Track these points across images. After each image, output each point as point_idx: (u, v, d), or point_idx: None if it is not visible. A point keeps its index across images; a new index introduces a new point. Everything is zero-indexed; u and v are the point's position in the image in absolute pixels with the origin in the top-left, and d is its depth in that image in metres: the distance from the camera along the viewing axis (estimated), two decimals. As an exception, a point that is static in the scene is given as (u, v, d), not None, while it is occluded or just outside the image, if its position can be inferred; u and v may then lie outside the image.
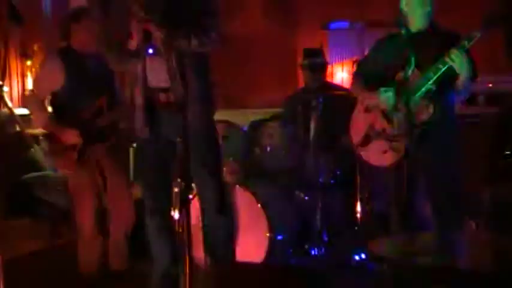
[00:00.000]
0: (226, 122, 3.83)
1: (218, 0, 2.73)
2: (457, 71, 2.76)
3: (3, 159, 3.73)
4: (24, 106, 4.22)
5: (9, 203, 3.91)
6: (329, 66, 4.49)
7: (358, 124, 3.08)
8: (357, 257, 3.48)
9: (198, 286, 2.80)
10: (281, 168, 3.96)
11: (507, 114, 3.82)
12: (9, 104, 4.53)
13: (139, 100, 2.74)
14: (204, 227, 2.89)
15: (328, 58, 4.44)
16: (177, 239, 2.86)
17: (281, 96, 5.05)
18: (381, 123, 2.94)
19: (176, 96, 2.64)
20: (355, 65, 3.66)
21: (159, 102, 2.71)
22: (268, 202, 3.54)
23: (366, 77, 3.08)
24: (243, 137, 3.80)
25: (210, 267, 2.91)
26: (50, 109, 3.37)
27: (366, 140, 3.00)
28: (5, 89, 4.67)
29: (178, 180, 2.53)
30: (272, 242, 3.44)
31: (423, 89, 2.80)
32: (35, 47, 5.01)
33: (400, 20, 2.81)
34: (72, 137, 3.24)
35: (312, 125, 3.75)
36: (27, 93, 4.97)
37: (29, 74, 5.05)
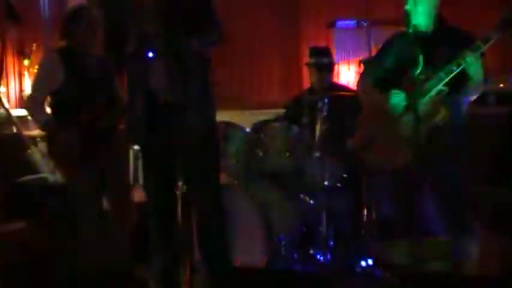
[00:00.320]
0: (228, 123, 3.84)
1: None
2: (470, 74, 2.75)
3: (-1, 161, 3.77)
4: (23, 107, 4.25)
5: (6, 206, 3.94)
6: (335, 66, 4.49)
7: (365, 125, 3.07)
8: (363, 263, 3.48)
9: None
10: (285, 170, 3.97)
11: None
12: (6, 105, 4.57)
13: (139, 103, 2.77)
14: (198, 232, 2.92)
15: (334, 57, 4.44)
16: (178, 241, 2.91)
17: (285, 97, 5.07)
18: (388, 125, 2.94)
19: (176, 98, 2.67)
20: (361, 65, 3.66)
21: (160, 104, 2.73)
22: (271, 205, 3.55)
23: (374, 78, 3.08)
24: (245, 139, 3.81)
25: (207, 276, 2.94)
26: (48, 110, 3.39)
27: (372, 142, 2.98)
28: (2, 89, 4.71)
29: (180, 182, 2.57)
30: (275, 246, 3.45)
31: (434, 91, 2.78)
32: (33, 46, 5.04)
33: (407, 18, 2.81)
34: (71, 139, 3.27)
35: (318, 127, 3.76)
36: (24, 94, 5.01)
37: (26, 73, 5.08)
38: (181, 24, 2.62)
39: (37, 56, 4.95)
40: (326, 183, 3.63)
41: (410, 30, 2.88)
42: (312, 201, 3.90)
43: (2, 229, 3.72)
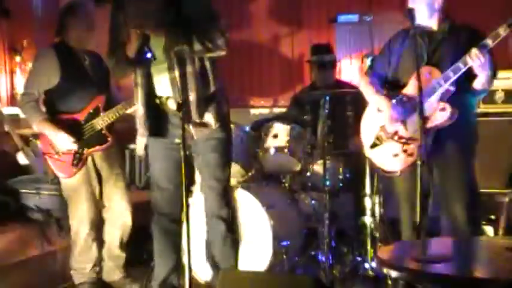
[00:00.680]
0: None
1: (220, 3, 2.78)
2: (477, 72, 2.75)
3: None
4: (15, 105, 4.26)
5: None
6: (337, 64, 4.51)
7: (369, 125, 3.06)
8: (366, 265, 3.51)
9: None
10: (286, 170, 3.99)
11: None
12: (-3, 103, 4.58)
13: (141, 112, 2.82)
14: (207, 236, 2.94)
15: (335, 53, 4.46)
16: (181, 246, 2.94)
17: (286, 95, 5.09)
18: (393, 125, 2.95)
19: (177, 105, 2.69)
20: (364, 61, 3.67)
21: (166, 108, 2.79)
22: (272, 207, 3.57)
23: (377, 77, 3.08)
24: (245, 138, 3.83)
25: (212, 280, 2.96)
26: (43, 109, 3.40)
27: (377, 143, 2.98)
28: (-8, 86, 4.72)
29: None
30: (276, 248, 3.47)
31: (441, 90, 2.79)
32: (24, 42, 5.05)
33: (411, 15, 2.80)
34: (67, 141, 3.28)
35: (320, 125, 3.78)
36: (16, 91, 5.01)
37: (17, 70, 5.08)
38: (183, 29, 2.63)
39: (29, 53, 4.95)
40: (328, 183, 3.65)
41: (415, 27, 2.87)
42: (313, 202, 3.92)
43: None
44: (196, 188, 3.42)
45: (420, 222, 2.37)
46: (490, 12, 4.05)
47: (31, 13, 5.15)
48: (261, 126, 3.93)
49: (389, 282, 2.93)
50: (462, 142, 2.88)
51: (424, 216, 2.43)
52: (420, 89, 2.50)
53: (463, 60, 2.73)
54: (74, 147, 3.29)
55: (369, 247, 3.49)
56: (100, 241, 3.50)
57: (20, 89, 4.82)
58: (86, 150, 3.35)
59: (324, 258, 3.52)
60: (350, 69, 5.14)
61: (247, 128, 3.92)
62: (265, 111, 5.09)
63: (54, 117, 3.34)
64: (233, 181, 3.75)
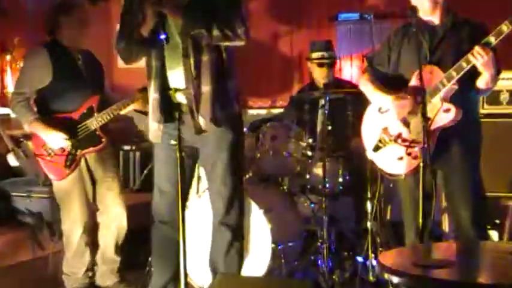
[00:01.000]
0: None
1: None
2: (481, 70, 2.74)
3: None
4: (5, 105, 4.25)
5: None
6: (337, 61, 4.51)
7: (371, 127, 3.05)
8: (367, 270, 3.51)
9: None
10: (284, 173, 3.99)
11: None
12: (-13, 103, 4.57)
13: (155, 97, 2.71)
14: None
15: (336, 52, 4.47)
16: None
17: (285, 95, 5.09)
18: (396, 127, 2.93)
19: (190, 96, 2.65)
20: (365, 60, 3.66)
21: (176, 101, 2.68)
22: (270, 210, 3.57)
23: (377, 75, 3.06)
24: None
25: (210, 286, 2.94)
26: (35, 109, 3.39)
27: (380, 145, 2.98)
28: (-18, 86, 4.71)
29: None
30: (275, 252, 3.47)
31: (444, 90, 2.78)
32: (15, 41, 5.04)
33: (412, 11, 2.79)
34: (59, 139, 3.27)
35: (319, 126, 3.78)
36: (6, 91, 5.00)
37: (8, 69, 5.07)
38: (203, 12, 2.56)
39: (20, 51, 4.94)
40: (328, 186, 3.65)
41: (417, 23, 2.86)
42: (313, 205, 3.93)
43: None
44: (192, 191, 3.41)
45: (423, 226, 2.37)
46: (494, 6, 4.04)
47: (22, 10, 5.14)
48: (259, 128, 3.93)
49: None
50: (467, 143, 2.88)
51: (428, 220, 2.43)
52: (423, 89, 2.49)
53: (465, 59, 2.72)
54: (67, 144, 3.28)
55: (369, 251, 3.49)
56: (93, 245, 3.50)
57: (10, 89, 4.81)
58: (79, 151, 3.35)
59: (323, 263, 3.52)
60: (350, 69, 5.13)
61: (245, 129, 3.91)
62: (263, 112, 5.09)
63: (46, 117, 3.34)
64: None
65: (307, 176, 3.89)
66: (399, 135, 2.91)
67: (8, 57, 5.06)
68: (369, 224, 3.53)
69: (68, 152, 3.32)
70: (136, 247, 3.81)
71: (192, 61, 2.63)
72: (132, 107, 3.43)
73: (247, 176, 3.87)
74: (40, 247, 3.74)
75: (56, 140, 3.28)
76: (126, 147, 5.05)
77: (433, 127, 2.75)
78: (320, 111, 3.81)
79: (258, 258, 3.44)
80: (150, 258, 3.73)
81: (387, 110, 2.97)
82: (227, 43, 2.66)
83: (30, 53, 3.45)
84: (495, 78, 2.81)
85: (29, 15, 5.09)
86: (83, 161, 3.39)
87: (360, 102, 3.31)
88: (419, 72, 2.57)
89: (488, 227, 3.67)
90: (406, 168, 2.87)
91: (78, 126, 3.36)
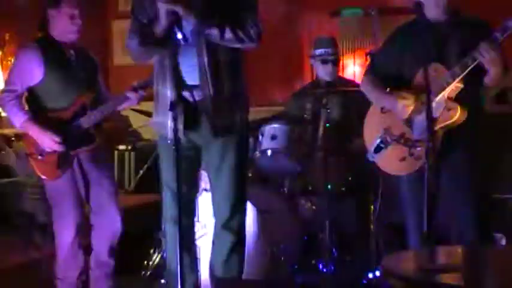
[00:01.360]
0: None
1: None
2: (487, 67, 2.73)
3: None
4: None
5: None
6: (341, 58, 4.50)
7: (373, 126, 3.04)
8: (370, 275, 3.51)
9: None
10: (285, 173, 3.99)
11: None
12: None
13: (171, 96, 2.69)
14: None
15: (339, 49, 4.46)
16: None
17: (285, 92, 5.08)
18: (399, 127, 2.92)
19: (203, 95, 2.66)
20: (368, 57, 3.66)
21: (191, 100, 2.67)
22: (270, 212, 3.57)
23: (380, 74, 3.06)
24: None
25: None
26: (26, 107, 3.39)
27: (382, 146, 2.97)
28: (-28, 83, 4.70)
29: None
30: (275, 256, 3.47)
31: (449, 88, 2.76)
32: (6, 36, 5.04)
33: (417, 6, 2.79)
34: (52, 142, 3.27)
35: (321, 125, 3.78)
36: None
37: (-1, 66, 5.07)
38: (217, 13, 2.59)
39: (11, 47, 4.94)
40: (330, 187, 3.65)
41: (421, 19, 2.86)
42: (314, 207, 3.92)
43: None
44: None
45: (428, 229, 2.37)
46: (499, 3, 4.04)
47: (13, 6, 5.14)
48: (259, 126, 3.93)
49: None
50: (472, 143, 2.88)
51: (432, 223, 2.43)
52: (428, 88, 2.49)
53: (471, 56, 2.71)
54: (59, 149, 3.28)
55: (373, 255, 3.49)
56: (87, 248, 3.49)
57: (1, 86, 4.81)
58: (71, 151, 3.34)
59: (324, 267, 3.52)
60: (353, 67, 5.13)
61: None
62: (263, 110, 5.09)
63: (38, 115, 3.33)
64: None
65: (308, 177, 3.89)
66: (402, 135, 2.90)
67: (-1, 53, 5.07)
68: (372, 226, 3.53)
69: (60, 151, 3.31)
70: (132, 250, 3.82)
71: (206, 60, 2.66)
72: (127, 104, 3.43)
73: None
74: (32, 250, 3.74)
75: (48, 142, 3.27)
76: (122, 147, 5.05)
77: (436, 127, 2.75)
78: (322, 110, 3.80)
79: (256, 262, 3.43)
80: (145, 262, 3.75)
81: (390, 109, 2.97)
82: (238, 45, 2.68)
83: (21, 49, 3.45)
84: (502, 75, 2.80)
85: (20, 10, 5.09)
86: (76, 160, 3.38)
87: (363, 101, 3.30)
88: (425, 71, 2.57)
89: (495, 230, 3.68)
90: (409, 169, 2.86)
91: (70, 125, 3.35)
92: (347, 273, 3.62)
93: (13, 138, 4.26)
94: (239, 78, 2.78)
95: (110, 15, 5.83)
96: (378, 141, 2.98)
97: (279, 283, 3.55)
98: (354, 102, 3.94)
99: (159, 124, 2.82)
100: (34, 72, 3.30)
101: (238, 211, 2.83)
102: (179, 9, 2.54)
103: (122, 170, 5.03)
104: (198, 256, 3.02)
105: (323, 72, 4.11)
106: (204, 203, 3.29)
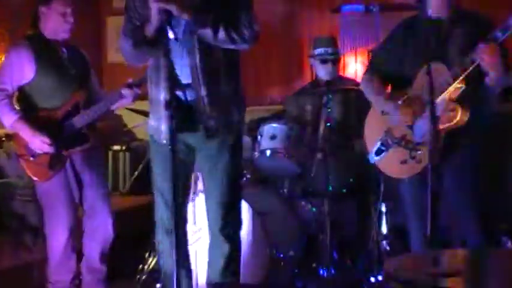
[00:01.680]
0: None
1: None
2: (487, 68, 2.70)
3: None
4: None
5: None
6: (341, 58, 4.50)
7: (374, 128, 3.04)
8: (372, 279, 3.52)
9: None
10: (284, 174, 3.99)
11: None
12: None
13: (165, 97, 2.64)
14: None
15: (339, 47, 4.46)
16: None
17: (284, 92, 5.09)
18: (400, 129, 2.92)
19: (196, 96, 2.66)
20: (370, 55, 3.65)
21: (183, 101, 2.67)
22: (268, 214, 3.57)
23: (379, 72, 3.05)
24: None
25: None
26: (17, 106, 3.38)
27: (383, 148, 2.96)
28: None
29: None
30: (274, 260, 3.46)
31: (450, 89, 2.75)
32: (-2, 34, 5.04)
33: (419, 4, 2.78)
34: (43, 143, 3.26)
35: (322, 125, 3.78)
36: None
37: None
38: (211, 12, 2.59)
39: (1, 45, 4.94)
40: (330, 188, 3.65)
41: (422, 16, 2.85)
42: (314, 209, 3.92)
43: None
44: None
45: (431, 232, 2.37)
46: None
47: (4, 3, 5.14)
48: (257, 126, 3.92)
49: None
50: (476, 144, 2.87)
51: (435, 226, 2.43)
52: (431, 86, 2.48)
53: (470, 57, 2.70)
54: (50, 150, 3.28)
55: (374, 259, 3.49)
56: (79, 251, 3.49)
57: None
58: (64, 151, 3.34)
59: (325, 271, 3.52)
60: (355, 65, 5.13)
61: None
62: (261, 110, 5.09)
63: (30, 115, 3.32)
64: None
65: (308, 178, 3.89)
66: (403, 137, 2.90)
67: (-10, 51, 5.06)
68: (373, 229, 3.53)
69: (52, 152, 3.30)
70: (125, 254, 3.81)
71: (198, 60, 2.66)
72: (121, 103, 3.42)
73: (244, 178, 3.87)
74: (23, 253, 3.74)
75: (39, 144, 3.27)
76: (116, 147, 5.04)
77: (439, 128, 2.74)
78: (322, 110, 3.80)
79: (255, 267, 3.43)
80: (140, 266, 3.75)
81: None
82: (231, 46, 2.68)
83: (11, 48, 3.45)
84: (504, 75, 2.78)
85: (11, 8, 5.08)
86: (68, 161, 3.38)
87: (364, 100, 3.30)
88: (428, 69, 2.56)
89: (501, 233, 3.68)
90: (410, 172, 2.86)
91: (63, 124, 3.35)
92: (348, 277, 3.62)
93: (4, 139, 4.25)
94: (234, 78, 2.77)
95: (104, 11, 5.83)
96: (379, 143, 2.98)
97: (278, 287, 3.54)
98: (354, 101, 3.95)
99: (154, 129, 2.82)
100: (25, 70, 3.30)
101: (232, 215, 2.81)
102: (172, 8, 2.53)
103: (116, 171, 5.03)
104: (191, 262, 3.01)
105: (322, 72, 4.11)
106: (200, 206, 3.29)
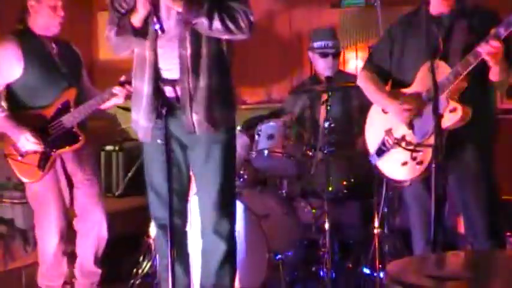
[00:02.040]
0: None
1: None
2: (491, 64, 2.71)
3: None
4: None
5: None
6: (342, 52, 4.49)
7: (375, 127, 3.04)
8: (374, 282, 3.51)
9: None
10: (283, 175, 3.98)
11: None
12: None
13: (147, 91, 2.71)
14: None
15: (340, 41, 4.45)
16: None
17: (282, 88, 5.08)
18: (400, 128, 2.91)
19: (185, 90, 2.66)
20: (369, 51, 3.65)
21: (169, 95, 2.69)
22: (267, 215, 3.56)
23: (378, 68, 3.04)
24: (237, 138, 3.82)
25: None
26: (4, 105, 3.37)
27: (383, 149, 2.96)
28: None
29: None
30: (273, 263, 3.46)
31: (451, 87, 2.73)
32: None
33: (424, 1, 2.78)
34: (31, 142, 3.25)
35: (321, 123, 3.77)
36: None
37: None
38: (207, 2, 2.59)
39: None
40: (331, 189, 3.64)
41: (423, 10, 2.84)
42: (314, 211, 3.92)
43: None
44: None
45: (435, 234, 2.36)
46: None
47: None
48: (254, 125, 3.92)
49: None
50: (481, 144, 2.86)
51: (439, 228, 2.42)
52: (435, 83, 2.47)
53: (473, 53, 2.68)
54: (39, 149, 3.27)
55: (376, 261, 3.49)
56: (72, 255, 3.49)
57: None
58: (54, 151, 3.33)
59: (325, 274, 3.52)
60: (356, 60, 5.13)
61: (238, 128, 3.90)
62: (259, 107, 5.08)
63: (18, 114, 3.31)
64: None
65: (308, 179, 3.88)
66: (403, 138, 2.89)
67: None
68: (375, 231, 3.52)
69: (42, 151, 3.30)
70: (120, 257, 3.81)
71: (189, 53, 2.65)
72: (113, 101, 3.42)
73: (241, 178, 3.87)
74: (12, 258, 3.73)
75: (27, 143, 3.26)
76: (109, 148, 5.02)
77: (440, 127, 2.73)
78: (322, 107, 3.79)
79: (253, 270, 3.43)
80: (135, 270, 3.74)
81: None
82: (227, 36, 2.68)
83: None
84: (508, 72, 2.78)
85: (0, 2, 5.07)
86: (58, 161, 3.37)
87: (366, 97, 3.29)
88: (431, 65, 2.55)
89: (508, 234, 3.67)
90: (411, 174, 2.86)
91: (52, 123, 3.34)
92: (349, 281, 3.62)
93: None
94: (225, 73, 2.77)
95: (96, 6, 5.81)
96: (380, 143, 2.98)
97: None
98: (355, 98, 3.94)
99: (135, 124, 2.83)
100: (13, 67, 3.30)
101: (226, 214, 2.82)
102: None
103: (110, 172, 5.01)
104: (190, 261, 3.02)
105: (322, 66, 4.10)
106: (194, 207, 3.29)
